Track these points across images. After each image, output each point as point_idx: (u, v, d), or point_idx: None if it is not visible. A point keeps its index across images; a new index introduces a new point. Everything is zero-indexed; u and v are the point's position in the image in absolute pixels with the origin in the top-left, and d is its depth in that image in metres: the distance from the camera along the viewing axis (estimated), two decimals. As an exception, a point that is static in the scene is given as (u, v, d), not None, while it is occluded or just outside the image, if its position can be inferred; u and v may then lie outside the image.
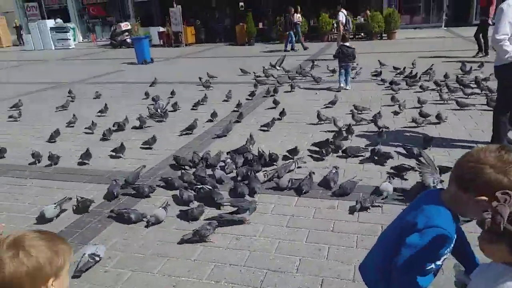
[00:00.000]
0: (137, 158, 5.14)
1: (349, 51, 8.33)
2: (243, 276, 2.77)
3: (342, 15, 13.90)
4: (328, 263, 2.85)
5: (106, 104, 7.59)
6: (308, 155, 4.86)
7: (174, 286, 2.71)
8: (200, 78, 9.73)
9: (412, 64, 10.02)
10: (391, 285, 1.47)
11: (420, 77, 8.48)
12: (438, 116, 5.75)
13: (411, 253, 1.36)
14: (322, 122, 6.07)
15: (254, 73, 10.33)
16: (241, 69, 10.92)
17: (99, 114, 7.39)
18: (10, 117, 7.50)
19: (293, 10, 16.11)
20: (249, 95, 8.09)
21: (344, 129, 5.55)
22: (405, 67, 9.49)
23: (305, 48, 16.12)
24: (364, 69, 10.03)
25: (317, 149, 4.90)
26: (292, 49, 16.33)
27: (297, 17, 15.48)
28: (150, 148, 5.46)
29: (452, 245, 1.41)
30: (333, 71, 9.82)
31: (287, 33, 16.45)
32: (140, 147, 5.53)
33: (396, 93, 7.52)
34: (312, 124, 6.10)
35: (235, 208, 3.52)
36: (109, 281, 2.80)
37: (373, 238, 3.08)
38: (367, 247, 2.92)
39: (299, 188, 3.91)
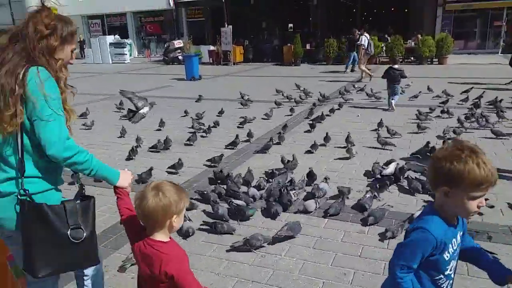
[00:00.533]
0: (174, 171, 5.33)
1: (396, 73, 8.41)
2: (264, 295, 2.77)
3: (365, 39, 13.78)
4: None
5: (161, 119, 7.83)
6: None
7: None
8: (242, 96, 10.03)
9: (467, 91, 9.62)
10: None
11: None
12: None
13: (397, 248, 1.55)
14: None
15: (284, 94, 10.43)
16: (276, 90, 11.02)
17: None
18: (83, 124, 7.91)
19: (356, 31, 15.52)
20: (288, 115, 8.15)
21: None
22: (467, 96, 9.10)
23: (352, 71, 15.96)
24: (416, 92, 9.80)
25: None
26: (352, 70, 16.00)
27: (364, 38, 14.51)
28: (176, 173, 5.23)
29: (443, 251, 1.49)
30: (374, 95, 9.73)
31: (348, 54, 16.18)
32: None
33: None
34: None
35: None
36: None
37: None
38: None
39: (327, 210, 3.87)
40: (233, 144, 6.25)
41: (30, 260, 1.77)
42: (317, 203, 3.97)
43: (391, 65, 8.80)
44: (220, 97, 11.07)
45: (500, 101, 8.20)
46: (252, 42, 24.35)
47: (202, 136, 6.95)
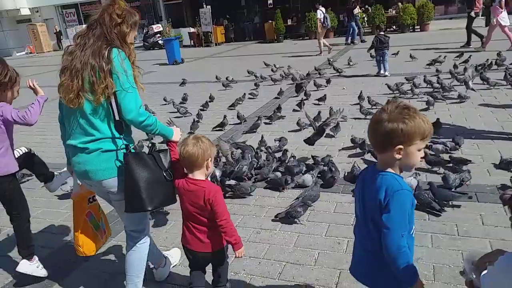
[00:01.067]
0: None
1: (386, 39, 8.75)
2: (261, 268, 2.82)
3: (320, 13, 13.75)
4: (347, 256, 2.85)
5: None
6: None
7: (194, 277, 2.79)
8: (218, 78, 9.99)
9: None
10: (384, 266, 1.61)
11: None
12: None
13: (389, 221, 1.53)
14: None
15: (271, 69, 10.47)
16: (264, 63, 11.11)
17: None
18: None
19: (353, 1, 15.77)
20: (277, 94, 8.02)
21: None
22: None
23: (362, 41, 15.86)
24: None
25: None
26: (352, 42, 15.89)
27: (319, 12, 14.48)
28: None
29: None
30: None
31: (347, 25, 16.20)
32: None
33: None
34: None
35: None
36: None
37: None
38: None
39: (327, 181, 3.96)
40: (221, 126, 6.22)
41: (138, 198, 2.15)
42: (313, 177, 4.01)
43: (378, 32, 9.25)
44: (204, 79, 10.95)
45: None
46: (233, 21, 23.99)
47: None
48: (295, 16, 22.08)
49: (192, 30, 22.27)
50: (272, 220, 3.44)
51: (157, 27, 22.80)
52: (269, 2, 23.27)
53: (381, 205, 1.54)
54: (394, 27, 19.04)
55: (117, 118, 2.14)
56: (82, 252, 2.48)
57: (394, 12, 18.84)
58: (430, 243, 2.89)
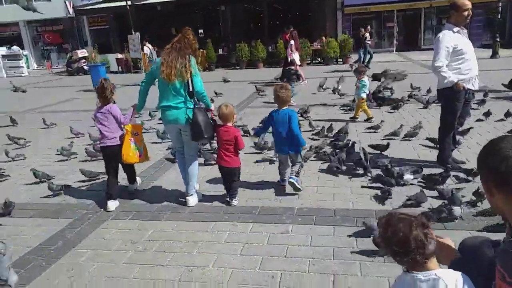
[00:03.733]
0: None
1: (292, 71, 10.99)
2: (193, 309, 2.69)
3: (146, 49, 15.68)
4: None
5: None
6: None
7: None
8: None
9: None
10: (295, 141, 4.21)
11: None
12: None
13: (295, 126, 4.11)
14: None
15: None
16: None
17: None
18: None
19: (362, 30, 16.46)
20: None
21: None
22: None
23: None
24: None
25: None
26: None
27: (146, 48, 15.80)
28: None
29: None
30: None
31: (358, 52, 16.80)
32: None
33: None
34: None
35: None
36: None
37: (323, 260, 3.10)
38: (318, 271, 2.97)
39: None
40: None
41: (200, 132, 4.00)
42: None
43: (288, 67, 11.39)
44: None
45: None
46: (162, 48, 23.73)
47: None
48: (226, 46, 22.50)
49: (120, 56, 21.65)
50: (204, 256, 3.33)
51: (82, 52, 21.87)
52: (199, 31, 23.49)
53: None
54: (319, 59, 20.18)
55: (190, 89, 4.02)
56: (125, 159, 4.35)
57: (319, 46, 20.03)
58: (359, 271, 2.97)
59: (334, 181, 4.76)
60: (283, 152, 4.47)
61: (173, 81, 3.92)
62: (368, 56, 16.60)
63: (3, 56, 23.07)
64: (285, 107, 4.39)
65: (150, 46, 15.32)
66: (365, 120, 7.45)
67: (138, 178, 4.95)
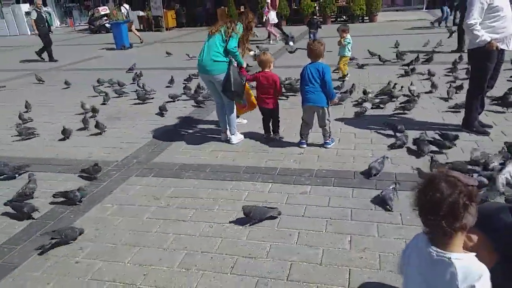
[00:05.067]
0: (112, 146, 5.11)
1: (314, 21, 11.64)
2: (213, 262, 2.80)
3: (123, 9, 15.18)
4: (298, 247, 2.90)
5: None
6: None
7: (145, 275, 2.72)
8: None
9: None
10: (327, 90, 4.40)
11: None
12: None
13: (328, 78, 4.31)
14: None
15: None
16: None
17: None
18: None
19: None
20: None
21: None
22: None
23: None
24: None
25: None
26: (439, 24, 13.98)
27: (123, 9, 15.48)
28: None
29: None
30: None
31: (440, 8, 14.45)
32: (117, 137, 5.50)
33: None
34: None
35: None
36: (79, 272, 2.80)
37: (340, 221, 3.15)
38: (335, 231, 3.02)
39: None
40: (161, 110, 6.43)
41: (229, 86, 4.51)
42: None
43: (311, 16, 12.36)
44: (153, 65, 10.61)
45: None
46: (184, 5, 23.31)
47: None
48: (248, 2, 21.85)
49: (141, 13, 21.41)
50: (224, 214, 3.42)
51: (103, 9, 21.68)
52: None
53: None
54: (344, 17, 19.43)
55: (226, 48, 4.53)
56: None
57: (344, 2, 19.21)
58: (376, 232, 3.01)
59: (355, 143, 4.72)
60: (313, 102, 4.43)
61: (213, 34, 4.60)
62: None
63: (26, 13, 23.13)
64: (318, 61, 4.44)
65: (127, 6, 15.78)
66: (339, 78, 7.43)
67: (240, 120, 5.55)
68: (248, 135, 5.17)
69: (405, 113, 5.56)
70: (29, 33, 22.86)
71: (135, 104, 7.05)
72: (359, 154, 4.42)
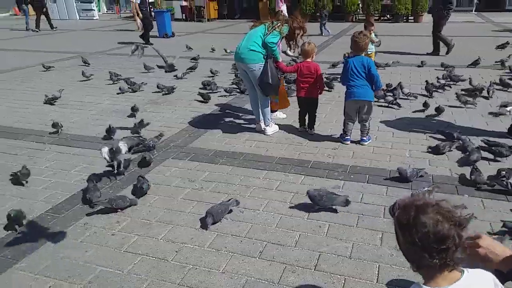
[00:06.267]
0: (152, 129, 5.28)
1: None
2: (243, 246, 2.86)
3: None
4: (327, 239, 2.91)
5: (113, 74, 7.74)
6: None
7: (177, 252, 2.82)
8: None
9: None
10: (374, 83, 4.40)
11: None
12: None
13: (375, 71, 4.23)
14: None
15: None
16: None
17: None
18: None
19: None
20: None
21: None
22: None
23: None
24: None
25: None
26: None
27: None
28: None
29: None
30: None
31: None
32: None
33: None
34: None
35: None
36: (115, 244, 2.93)
37: (372, 218, 3.13)
38: (367, 227, 3.00)
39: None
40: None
41: (266, 76, 4.55)
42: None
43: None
44: (193, 55, 10.77)
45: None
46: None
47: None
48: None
49: (184, 3, 21.73)
50: (255, 201, 3.48)
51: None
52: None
53: None
54: (388, 15, 18.97)
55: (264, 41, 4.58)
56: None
57: (389, 0, 18.75)
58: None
59: (392, 142, 4.64)
60: (358, 97, 4.39)
61: (253, 27, 4.75)
62: None
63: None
64: (362, 54, 4.43)
65: None
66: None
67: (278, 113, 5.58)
68: (282, 127, 5.19)
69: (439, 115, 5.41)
70: (78, 17, 23.77)
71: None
72: (395, 153, 4.35)
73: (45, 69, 9.19)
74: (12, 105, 6.58)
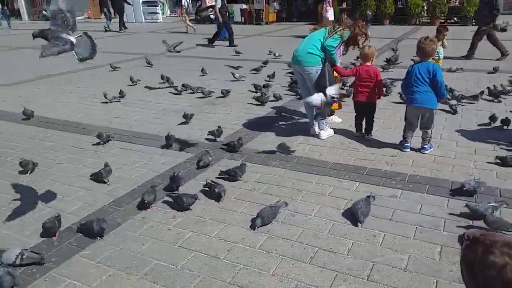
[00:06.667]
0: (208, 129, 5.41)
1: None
2: (293, 250, 2.84)
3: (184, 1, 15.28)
4: (381, 249, 2.81)
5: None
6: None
7: (229, 251, 2.86)
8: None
9: None
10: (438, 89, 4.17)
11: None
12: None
13: (441, 78, 4.02)
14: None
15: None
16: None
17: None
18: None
19: None
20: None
21: None
22: None
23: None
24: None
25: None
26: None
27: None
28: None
29: None
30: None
31: None
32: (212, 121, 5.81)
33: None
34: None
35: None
36: (170, 239, 3.04)
37: (431, 230, 2.97)
38: (425, 239, 2.86)
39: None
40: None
41: (324, 78, 4.62)
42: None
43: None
44: (250, 57, 10.92)
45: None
46: (286, 0, 23.56)
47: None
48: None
49: (244, 6, 22.11)
50: (307, 205, 3.44)
51: (210, 1, 22.74)
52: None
53: None
54: (455, 18, 17.95)
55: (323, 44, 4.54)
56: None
57: (457, 2, 17.74)
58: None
59: (456, 152, 4.39)
60: (421, 103, 4.22)
61: (314, 29, 4.76)
62: None
63: (143, 2, 25.32)
64: (428, 60, 4.25)
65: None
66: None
67: (334, 117, 5.55)
68: (338, 132, 5.09)
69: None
70: (143, 20, 25.01)
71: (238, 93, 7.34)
72: (458, 163, 4.10)
73: (112, 69, 9.77)
74: (80, 102, 7.07)
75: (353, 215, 3.18)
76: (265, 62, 9.32)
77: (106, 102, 6.90)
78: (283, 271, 2.63)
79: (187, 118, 5.72)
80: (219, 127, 5.05)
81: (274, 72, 8.28)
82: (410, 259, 2.69)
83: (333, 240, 2.93)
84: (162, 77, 8.05)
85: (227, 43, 14.21)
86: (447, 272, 2.55)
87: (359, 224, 3.09)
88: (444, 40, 6.86)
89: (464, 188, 3.42)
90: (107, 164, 4.12)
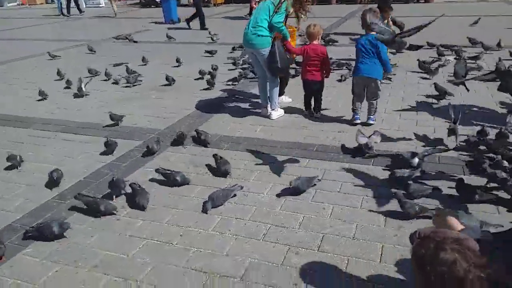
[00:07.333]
0: (156, 115, 5.28)
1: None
2: (247, 228, 2.87)
3: None
4: (331, 221, 2.89)
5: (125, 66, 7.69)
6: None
7: (181, 236, 2.84)
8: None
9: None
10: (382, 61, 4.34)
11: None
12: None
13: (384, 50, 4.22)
14: None
15: None
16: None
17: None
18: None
19: None
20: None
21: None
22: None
23: None
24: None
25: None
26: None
27: None
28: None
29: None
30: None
31: None
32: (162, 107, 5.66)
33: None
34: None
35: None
36: (119, 229, 2.96)
37: (376, 199, 3.10)
38: (371, 208, 2.98)
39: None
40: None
41: (275, 59, 4.54)
42: None
43: None
44: (199, 40, 10.71)
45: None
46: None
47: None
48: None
49: (190, -12, 21.51)
50: (260, 184, 3.47)
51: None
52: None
53: None
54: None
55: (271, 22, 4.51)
56: None
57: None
58: (413, 212, 2.93)
59: (399, 124, 4.57)
60: (366, 74, 4.37)
61: (256, 5, 4.90)
62: None
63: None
64: (372, 33, 4.13)
65: None
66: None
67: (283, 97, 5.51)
68: (288, 110, 5.14)
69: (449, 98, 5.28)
70: (84, 6, 23.70)
71: (179, 76, 7.17)
72: (402, 135, 4.29)
73: (51, 58, 9.21)
74: (24, 93, 6.63)
75: (295, 189, 3.23)
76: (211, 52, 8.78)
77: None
78: (237, 250, 2.65)
79: (114, 119, 5.02)
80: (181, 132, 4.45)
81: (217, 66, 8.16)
82: (358, 227, 2.80)
83: (285, 216, 2.99)
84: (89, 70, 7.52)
85: (174, 26, 13.81)
86: (392, 237, 2.68)
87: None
88: (390, 19, 7.03)
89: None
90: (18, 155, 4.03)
